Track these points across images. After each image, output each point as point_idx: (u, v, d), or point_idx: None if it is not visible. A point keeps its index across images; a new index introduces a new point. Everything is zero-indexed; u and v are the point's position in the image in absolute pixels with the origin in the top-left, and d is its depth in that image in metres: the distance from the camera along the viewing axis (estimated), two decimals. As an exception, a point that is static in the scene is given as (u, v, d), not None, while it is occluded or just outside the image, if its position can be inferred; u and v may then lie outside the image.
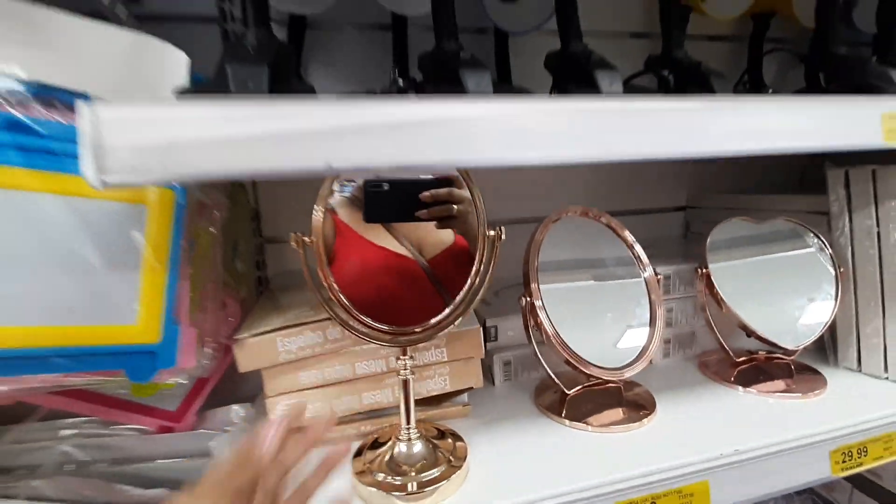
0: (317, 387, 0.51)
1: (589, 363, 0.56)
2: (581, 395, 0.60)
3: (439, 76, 0.47)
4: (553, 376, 0.58)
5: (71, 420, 0.59)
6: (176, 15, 0.65)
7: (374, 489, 0.44)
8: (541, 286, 0.56)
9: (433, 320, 0.45)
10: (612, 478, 0.46)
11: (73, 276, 0.38)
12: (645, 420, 0.56)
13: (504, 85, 0.65)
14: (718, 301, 0.65)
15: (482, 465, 0.49)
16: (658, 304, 0.61)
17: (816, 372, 0.67)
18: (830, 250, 0.67)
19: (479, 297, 0.46)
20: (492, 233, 0.45)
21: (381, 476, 0.45)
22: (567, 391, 0.59)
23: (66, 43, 0.37)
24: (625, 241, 0.63)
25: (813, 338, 0.64)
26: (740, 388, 0.64)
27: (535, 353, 0.57)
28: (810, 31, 0.66)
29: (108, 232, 0.39)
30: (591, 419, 0.56)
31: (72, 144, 0.35)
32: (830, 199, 0.68)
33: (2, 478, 0.53)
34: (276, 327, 0.49)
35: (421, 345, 0.50)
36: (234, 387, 0.61)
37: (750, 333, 0.64)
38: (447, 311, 0.45)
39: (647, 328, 0.60)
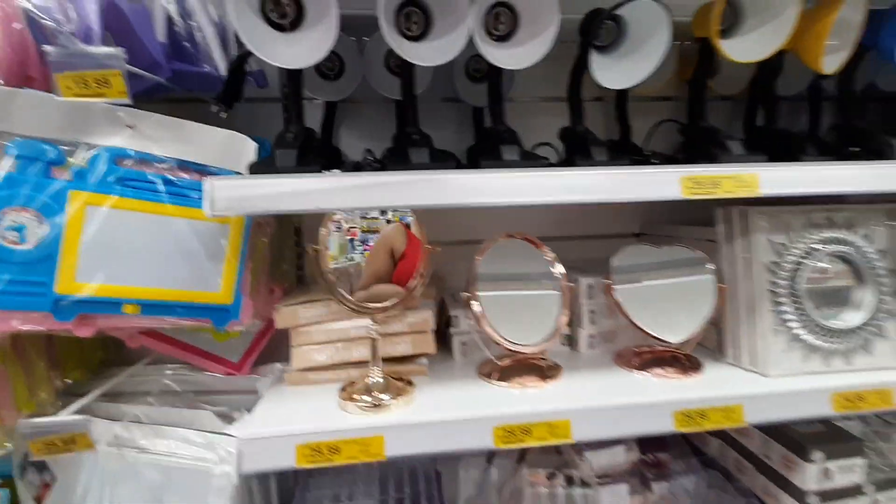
0: (324, 342, 0.80)
1: (507, 340, 0.81)
2: (509, 367, 0.84)
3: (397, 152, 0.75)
4: (486, 349, 0.83)
5: (171, 364, 0.91)
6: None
7: (347, 402, 0.71)
8: (479, 290, 0.82)
9: (388, 303, 0.73)
10: (502, 412, 0.71)
11: (188, 262, 0.70)
12: (548, 383, 0.80)
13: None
14: (617, 305, 0.87)
15: (422, 400, 0.75)
16: (566, 304, 0.84)
17: (700, 363, 0.87)
18: (714, 270, 0.87)
19: (420, 290, 0.73)
20: (428, 247, 0.73)
21: (355, 396, 0.73)
22: (498, 362, 0.84)
23: (195, 137, 0.69)
24: (546, 257, 0.87)
25: (689, 335, 0.85)
26: (635, 370, 0.86)
27: (477, 335, 0.83)
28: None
29: (209, 239, 0.70)
30: (509, 380, 0.81)
31: (197, 192, 0.66)
32: (717, 231, 0.89)
33: (125, 398, 0.85)
34: (298, 301, 0.79)
35: (388, 317, 0.78)
36: (277, 352, 0.91)
37: (640, 330, 0.86)
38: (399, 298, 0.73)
39: (556, 319, 0.84)
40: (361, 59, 0.92)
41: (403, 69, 0.75)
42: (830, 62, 0.78)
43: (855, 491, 0.84)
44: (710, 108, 1.09)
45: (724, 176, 0.66)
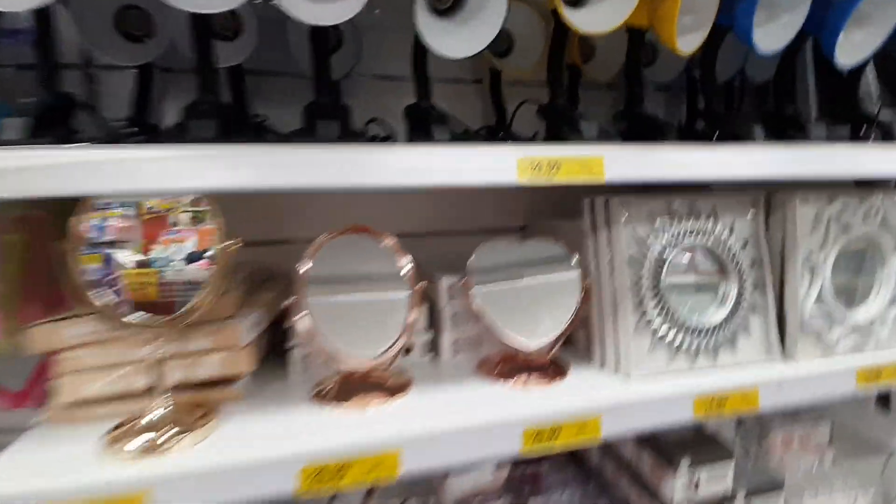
0: (101, 368, 0.63)
1: (343, 355, 0.68)
2: (349, 385, 0.72)
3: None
4: (321, 365, 0.70)
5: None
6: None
7: (113, 445, 0.55)
8: (310, 297, 0.68)
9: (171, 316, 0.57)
10: (313, 447, 0.58)
11: None
12: (393, 401, 0.68)
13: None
14: (474, 308, 0.77)
15: (223, 435, 0.60)
16: (413, 307, 0.73)
17: (565, 368, 0.79)
18: (578, 266, 0.79)
19: (214, 295, 0.58)
20: (227, 242, 0.58)
21: (125, 438, 0.57)
22: (332, 380, 0.71)
23: None
24: (390, 253, 0.75)
25: (549, 340, 0.77)
26: (495, 380, 0.76)
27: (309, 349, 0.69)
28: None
29: None
30: (347, 401, 0.68)
31: None
32: (583, 223, 0.81)
33: None
34: (60, 317, 0.61)
35: (185, 334, 0.62)
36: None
37: (497, 335, 0.76)
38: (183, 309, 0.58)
39: (400, 327, 0.72)
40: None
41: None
42: (687, 42, 0.72)
43: (725, 499, 0.80)
44: (590, 95, 1.04)
45: (565, 158, 0.57)
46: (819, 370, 0.79)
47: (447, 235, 1.10)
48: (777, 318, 0.83)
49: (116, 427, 0.59)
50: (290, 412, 0.67)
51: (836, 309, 0.83)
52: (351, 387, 0.71)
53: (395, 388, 0.72)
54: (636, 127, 0.79)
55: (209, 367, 0.67)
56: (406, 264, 0.73)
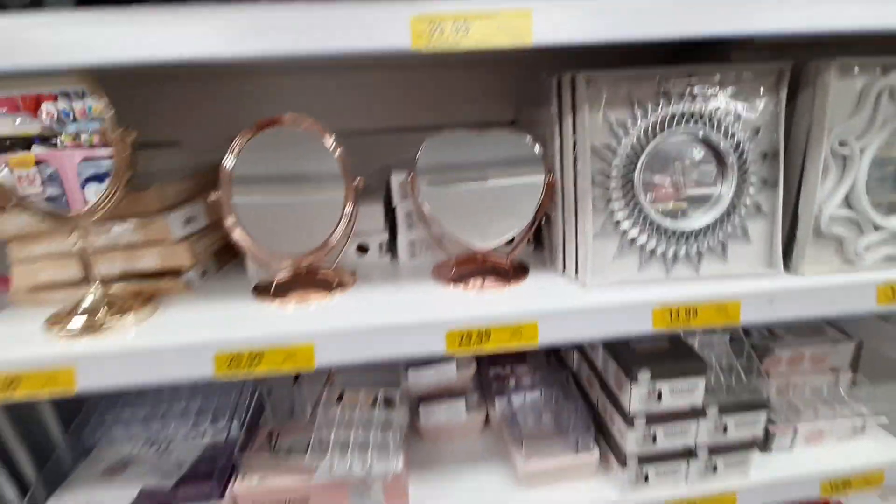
0: (43, 257, 0.67)
1: (266, 249, 0.67)
2: (291, 281, 0.71)
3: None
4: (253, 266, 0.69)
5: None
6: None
7: (53, 326, 0.60)
8: (237, 195, 0.65)
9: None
10: (231, 336, 0.58)
11: None
12: (333, 296, 0.67)
13: None
14: (420, 206, 0.70)
15: (158, 321, 0.63)
16: (347, 201, 0.68)
17: (524, 273, 0.73)
18: (542, 159, 0.69)
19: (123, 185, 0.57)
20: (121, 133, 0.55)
21: (64, 319, 0.61)
22: (282, 276, 0.71)
23: None
24: (327, 148, 0.69)
25: (504, 240, 0.70)
26: (449, 283, 0.71)
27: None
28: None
29: None
30: (286, 296, 0.68)
31: None
32: (551, 107, 0.69)
33: None
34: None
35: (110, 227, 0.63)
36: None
37: (448, 235, 0.71)
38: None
39: (338, 224, 0.69)
40: None
41: None
42: None
43: (692, 413, 0.74)
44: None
45: (475, 15, 0.45)
46: (826, 284, 0.66)
47: (433, 131, 1.01)
48: (790, 225, 0.69)
49: (59, 311, 0.63)
50: (229, 305, 0.68)
51: (869, 213, 0.67)
52: (295, 283, 0.71)
53: (337, 286, 0.71)
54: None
55: (149, 260, 0.68)
56: (337, 157, 0.67)
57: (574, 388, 0.91)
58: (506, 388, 0.90)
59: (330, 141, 0.67)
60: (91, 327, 0.60)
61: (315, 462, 0.72)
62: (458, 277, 0.73)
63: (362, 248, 0.81)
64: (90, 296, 0.62)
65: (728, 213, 0.67)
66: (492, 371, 0.96)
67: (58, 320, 0.61)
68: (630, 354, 0.75)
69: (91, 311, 0.61)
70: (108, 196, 0.57)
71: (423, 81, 0.98)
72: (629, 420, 0.73)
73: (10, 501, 0.68)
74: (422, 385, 0.87)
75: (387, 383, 0.86)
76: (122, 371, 0.57)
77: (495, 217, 0.71)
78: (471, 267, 0.75)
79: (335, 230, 0.68)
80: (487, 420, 0.95)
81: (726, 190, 0.67)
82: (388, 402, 0.80)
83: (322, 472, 0.72)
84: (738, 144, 0.66)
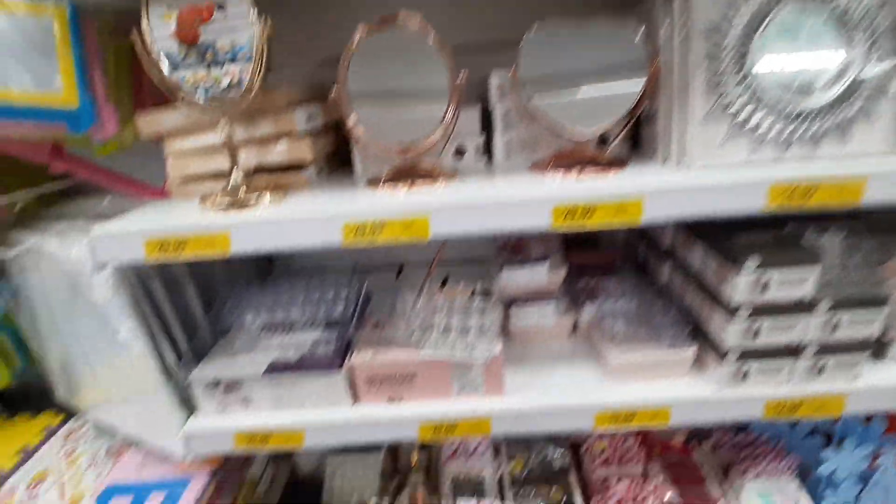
0: (198, 151, 0.77)
1: (384, 142, 0.72)
2: (398, 173, 0.77)
3: None
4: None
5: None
6: None
7: (206, 202, 0.69)
8: (352, 89, 0.71)
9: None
10: (355, 209, 0.65)
11: (18, 62, 0.66)
12: (434, 186, 0.72)
13: None
14: (519, 95, 0.72)
15: (286, 206, 0.71)
16: (453, 100, 0.72)
17: (624, 163, 0.74)
18: (646, 42, 0.68)
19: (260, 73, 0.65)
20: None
21: (215, 198, 0.70)
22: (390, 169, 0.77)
23: None
24: (433, 47, 0.72)
25: (607, 125, 0.71)
26: (548, 170, 0.74)
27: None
28: None
29: (36, 35, 0.65)
30: (397, 185, 0.73)
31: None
32: (657, -10, 0.68)
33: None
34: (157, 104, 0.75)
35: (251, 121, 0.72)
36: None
37: (550, 127, 0.72)
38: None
39: (444, 116, 0.73)
40: None
41: None
42: None
43: (801, 307, 0.72)
44: None
45: None
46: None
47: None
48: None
49: (210, 193, 0.73)
50: (347, 193, 0.75)
51: None
52: (401, 175, 0.76)
53: (441, 177, 0.75)
54: None
55: (278, 154, 0.76)
56: (444, 55, 0.71)
57: (664, 300, 0.91)
58: (595, 296, 0.92)
59: (436, 40, 0.71)
60: (237, 203, 0.69)
61: (421, 343, 0.79)
62: (557, 168, 0.74)
63: (459, 152, 0.85)
64: (234, 179, 0.71)
65: (851, 91, 0.64)
66: (580, 282, 0.98)
67: (210, 199, 0.71)
68: (733, 246, 0.73)
69: (235, 191, 0.70)
70: (251, 78, 0.64)
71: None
72: (731, 311, 0.72)
73: (171, 365, 0.81)
74: (513, 285, 0.90)
75: (481, 278, 0.91)
76: (267, 237, 0.66)
77: (598, 106, 0.72)
78: (569, 160, 0.76)
79: (443, 119, 0.72)
80: (574, 328, 0.98)
81: (850, 65, 0.63)
82: (486, 293, 0.85)
83: (427, 351, 0.78)
84: (866, 12, 0.61)
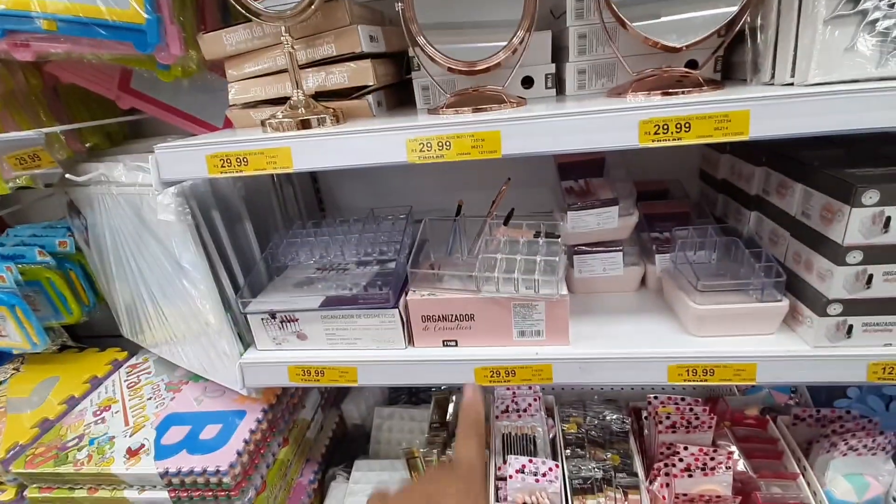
0: (257, 76, 0.75)
1: (450, 58, 0.67)
2: (462, 99, 0.72)
3: None
4: (436, 83, 0.71)
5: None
6: None
7: (268, 122, 0.67)
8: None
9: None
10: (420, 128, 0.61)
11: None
12: (502, 109, 0.67)
13: None
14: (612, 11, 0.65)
15: (346, 127, 0.68)
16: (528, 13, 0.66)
17: (720, 83, 0.65)
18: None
19: None
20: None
21: (276, 116, 0.68)
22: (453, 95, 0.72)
23: None
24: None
25: (703, 36, 0.62)
26: (627, 93, 0.67)
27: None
28: None
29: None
30: (466, 108, 0.69)
31: None
32: None
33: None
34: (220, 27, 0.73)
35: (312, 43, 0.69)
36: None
37: (637, 36, 0.65)
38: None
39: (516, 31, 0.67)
40: None
41: None
42: None
43: (926, 250, 0.62)
44: None
45: None
46: None
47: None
48: None
49: (272, 113, 0.71)
50: (410, 117, 0.71)
51: None
52: (465, 102, 0.71)
53: (507, 102, 0.70)
54: None
55: (339, 76, 0.73)
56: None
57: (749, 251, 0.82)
58: (668, 248, 0.84)
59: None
60: (299, 125, 0.66)
61: (480, 282, 0.74)
62: (640, 90, 0.67)
63: (528, 81, 0.79)
64: (295, 99, 0.68)
65: None
66: (651, 233, 0.90)
67: (271, 122, 0.68)
68: (845, 179, 0.63)
69: (297, 112, 0.68)
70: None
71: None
72: (840, 254, 0.63)
73: (229, 297, 0.81)
74: (580, 229, 0.84)
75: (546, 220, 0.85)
76: (330, 153, 0.63)
77: (692, 18, 0.64)
78: (653, 82, 0.68)
79: (512, 38, 0.66)
80: (643, 282, 0.90)
81: None
82: (551, 235, 0.80)
83: (489, 290, 0.74)
84: None
